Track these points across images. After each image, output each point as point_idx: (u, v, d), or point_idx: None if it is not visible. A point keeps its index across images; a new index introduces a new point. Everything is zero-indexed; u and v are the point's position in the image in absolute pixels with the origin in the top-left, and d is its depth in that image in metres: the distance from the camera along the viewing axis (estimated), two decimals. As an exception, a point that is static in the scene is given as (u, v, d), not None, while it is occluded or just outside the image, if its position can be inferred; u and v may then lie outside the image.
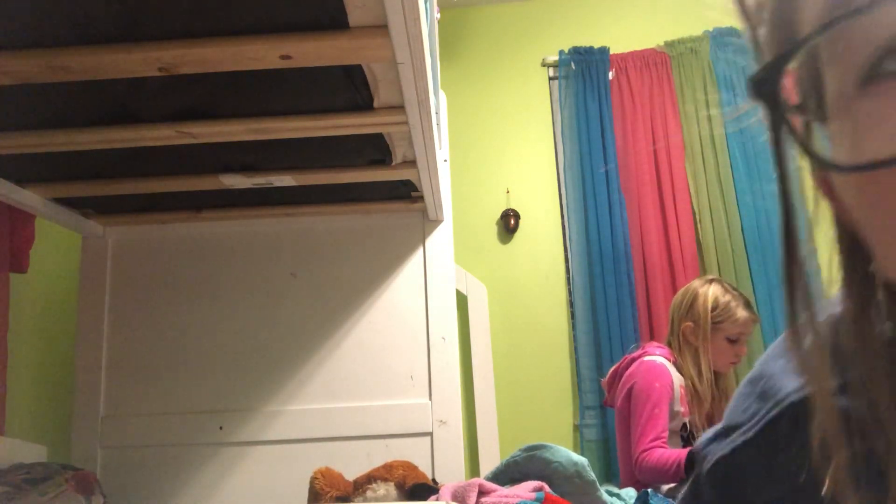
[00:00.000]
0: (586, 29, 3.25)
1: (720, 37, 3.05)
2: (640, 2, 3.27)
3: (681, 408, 1.77)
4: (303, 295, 1.91)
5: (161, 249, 1.94)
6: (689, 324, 1.83)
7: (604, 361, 2.82)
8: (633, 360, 1.87)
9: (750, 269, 2.83)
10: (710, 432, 0.42)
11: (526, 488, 1.25)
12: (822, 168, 0.27)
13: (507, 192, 3.15)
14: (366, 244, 1.94)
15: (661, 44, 3.16)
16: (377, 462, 1.49)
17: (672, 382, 1.76)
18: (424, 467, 1.65)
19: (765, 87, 0.27)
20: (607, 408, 2.73)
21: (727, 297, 1.82)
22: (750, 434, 0.39)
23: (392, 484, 1.36)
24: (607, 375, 1.97)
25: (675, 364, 1.83)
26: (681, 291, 1.92)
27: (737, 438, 0.39)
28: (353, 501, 1.37)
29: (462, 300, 2.86)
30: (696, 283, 1.90)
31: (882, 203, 0.27)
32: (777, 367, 0.39)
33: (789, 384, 0.37)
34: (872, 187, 0.27)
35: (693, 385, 1.80)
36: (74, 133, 1.30)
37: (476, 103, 3.24)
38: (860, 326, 0.32)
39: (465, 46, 3.31)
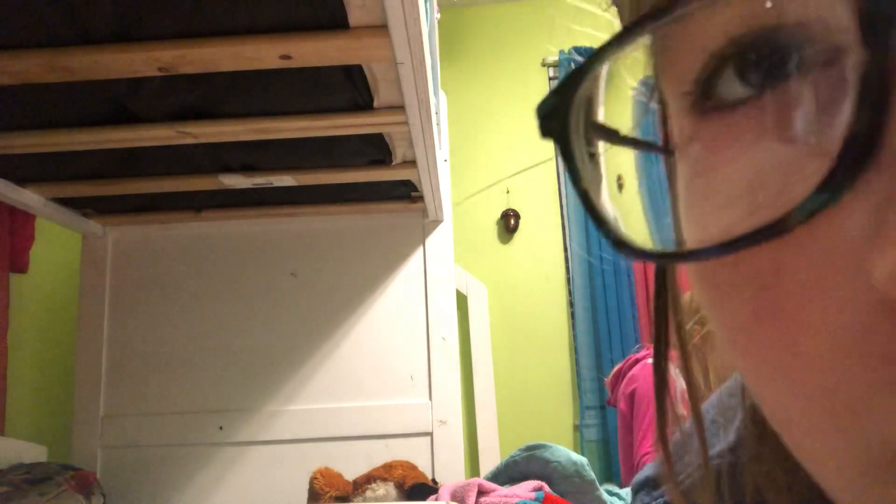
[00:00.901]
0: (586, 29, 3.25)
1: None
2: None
3: (683, 412, 1.77)
4: (303, 295, 1.91)
5: (161, 249, 1.94)
6: (697, 327, 1.83)
7: (604, 361, 2.82)
8: (637, 360, 1.87)
9: (750, 269, 2.84)
10: (647, 471, 0.37)
11: (525, 488, 1.25)
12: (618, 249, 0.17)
13: (507, 192, 3.15)
14: (366, 244, 1.94)
15: (661, 44, 3.16)
16: (377, 462, 1.50)
17: (674, 386, 1.76)
18: (424, 467, 1.65)
19: (553, 123, 0.17)
20: (607, 408, 2.73)
21: None
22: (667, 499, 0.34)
23: (391, 484, 1.37)
24: (610, 375, 1.97)
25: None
26: (687, 294, 1.91)
27: (659, 498, 0.35)
28: (352, 501, 1.37)
29: (462, 300, 2.86)
30: None
31: (724, 307, 0.17)
32: (709, 417, 0.32)
33: (716, 445, 0.31)
34: (710, 282, 0.18)
35: None
36: (74, 133, 1.30)
37: (476, 103, 3.24)
38: (757, 447, 0.24)
39: (465, 46, 3.31)
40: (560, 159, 0.17)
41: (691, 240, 0.18)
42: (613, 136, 0.19)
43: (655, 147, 0.21)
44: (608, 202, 0.18)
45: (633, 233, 0.17)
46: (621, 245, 0.17)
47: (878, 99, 0.13)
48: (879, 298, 0.13)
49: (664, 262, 0.18)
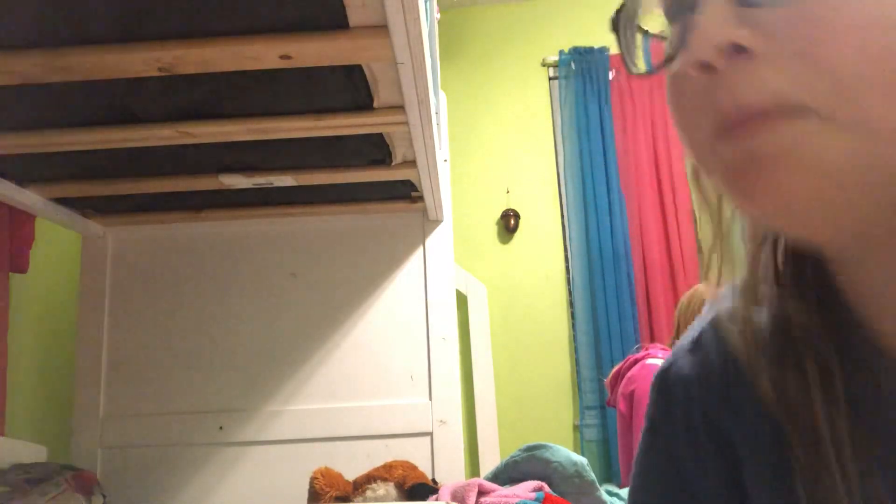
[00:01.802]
0: (586, 29, 3.25)
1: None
2: (640, 2, 3.26)
3: None
4: (303, 295, 1.91)
5: (161, 249, 1.94)
6: None
7: (604, 361, 2.82)
8: (636, 360, 1.87)
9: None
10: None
11: (526, 488, 1.25)
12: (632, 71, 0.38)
13: (507, 192, 3.15)
14: (366, 244, 1.94)
15: (661, 44, 3.16)
16: (377, 462, 1.49)
17: None
18: (424, 467, 1.65)
19: (617, 21, 0.38)
20: (607, 408, 2.73)
21: None
22: (686, 345, 0.46)
23: (392, 484, 1.37)
24: (609, 375, 1.97)
25: None
26: (687, 294, 1.92)
27: (677, 352, 0.47)
28: (352, 501, 1.37)
29: (462, 300, 2.86)
30: (702, 286, 1.90)
31: (670, 104, 0.36)
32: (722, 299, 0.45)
33: (723, 305, 0.44)
34: (669, 92, 0.36)
35: None
36: (74, 133, 1.30)
37: (476, 103, 3.24)
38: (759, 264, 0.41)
39: (465, 46, 3.31)
40: (619, 43, 0.38)
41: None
42: (644, 33, 0.38)
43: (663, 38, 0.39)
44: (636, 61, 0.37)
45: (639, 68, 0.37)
46: (633, 71, 0.37)
47: (683, 30, 0.32)
48: (705, 125, 0.33)
49: (647, 73, 0.37)
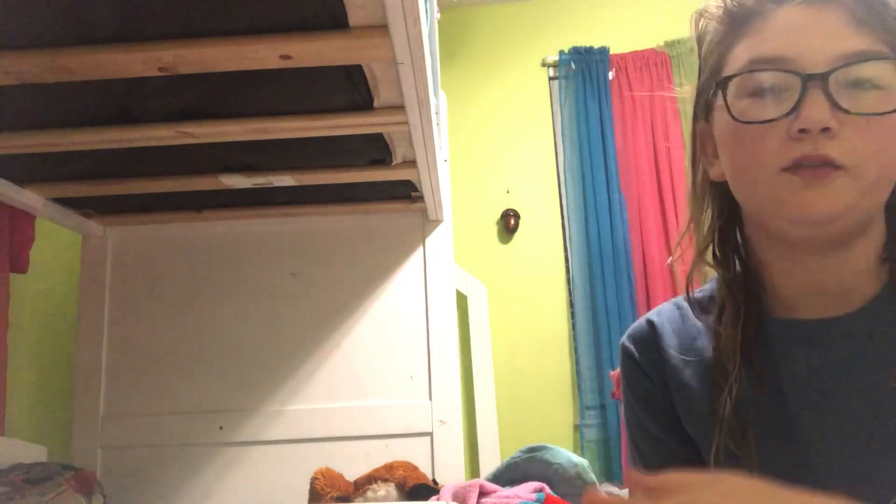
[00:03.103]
0: (586, 29, 3.25)
1: (720, 37, 3.05)
2: (640, 2, 3.26)
3: None
4: (303, 295, 1.91)
5: (161, 249, 1.94)
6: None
7: (604, 361, 2.81)
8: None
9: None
10: None
11: (527, 489, 1.25)
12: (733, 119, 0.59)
13: (508, 192, 3.15)
14: (366, 244, 1.94)
15: (661, 44, 3.16)
16: (377, 462, 1.49)
17: None
18: (424, 467, 1.65)
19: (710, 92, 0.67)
20: (607, 408, 2.73)
21: None
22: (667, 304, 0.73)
23: (393, 484, 1.37)
24: (616, 370, 1.97)
25: None
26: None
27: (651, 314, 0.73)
28: (353, 502, 1.37)
29: (462, 300, 2.85)
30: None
31: (736, 141, 0.60)
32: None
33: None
34: (738, 134, 0.59)
35: None
36: (74, 133, 1.30)
37: (476, 103, 3.24)
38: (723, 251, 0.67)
39: (465, 46, 3.30)
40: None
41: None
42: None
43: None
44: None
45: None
46: (734, 118, 0.60)
47: (798, 102, 0.55)
48: (785, 160, 0.56)
49: (741, 123, 0.59)
